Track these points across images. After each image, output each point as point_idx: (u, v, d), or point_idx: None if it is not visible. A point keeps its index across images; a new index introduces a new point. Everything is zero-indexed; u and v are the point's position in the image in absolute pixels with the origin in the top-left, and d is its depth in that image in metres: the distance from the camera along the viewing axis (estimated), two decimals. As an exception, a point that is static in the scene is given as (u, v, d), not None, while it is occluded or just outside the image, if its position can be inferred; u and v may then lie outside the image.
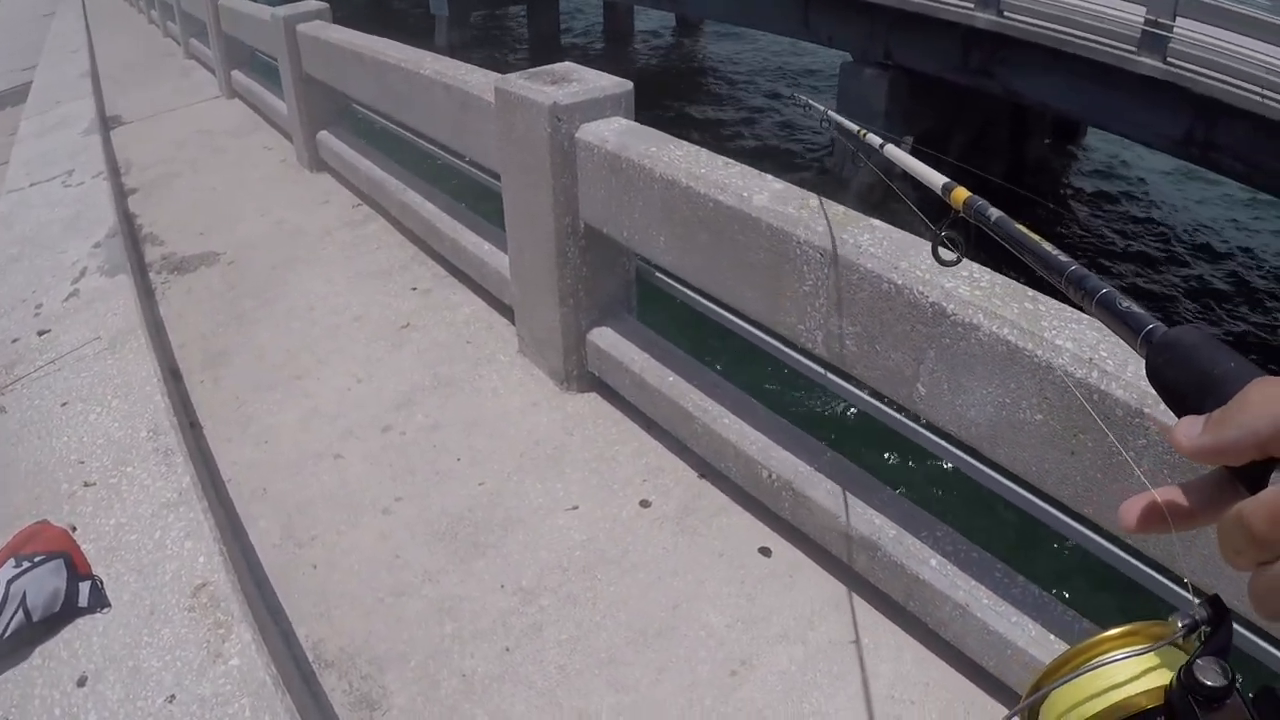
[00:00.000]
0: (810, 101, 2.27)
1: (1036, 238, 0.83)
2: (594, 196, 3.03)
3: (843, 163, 16.09)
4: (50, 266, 4.43)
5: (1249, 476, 0.47)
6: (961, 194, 1.08)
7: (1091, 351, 1.91)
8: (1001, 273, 2.18)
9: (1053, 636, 2.19)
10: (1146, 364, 0.59)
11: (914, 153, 1.50)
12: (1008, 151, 17.97)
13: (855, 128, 1.86)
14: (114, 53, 13.52)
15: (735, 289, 2.61)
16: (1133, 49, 11.40)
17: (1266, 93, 10.69)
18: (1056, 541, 2.44)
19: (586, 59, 25.42)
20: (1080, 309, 0.69)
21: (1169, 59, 11.24)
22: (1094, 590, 4.62)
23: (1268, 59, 10.95)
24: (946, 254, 1.23)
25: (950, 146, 16.92)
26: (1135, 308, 0.64)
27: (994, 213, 0.98)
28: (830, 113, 2.07)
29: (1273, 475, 0.45)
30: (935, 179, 1.22)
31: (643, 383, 3.14)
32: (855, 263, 2.20)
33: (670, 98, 23.48)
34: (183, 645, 2.13)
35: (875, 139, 1.69)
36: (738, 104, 23.46)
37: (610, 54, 27.66)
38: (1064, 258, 0.76)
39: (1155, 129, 11.98)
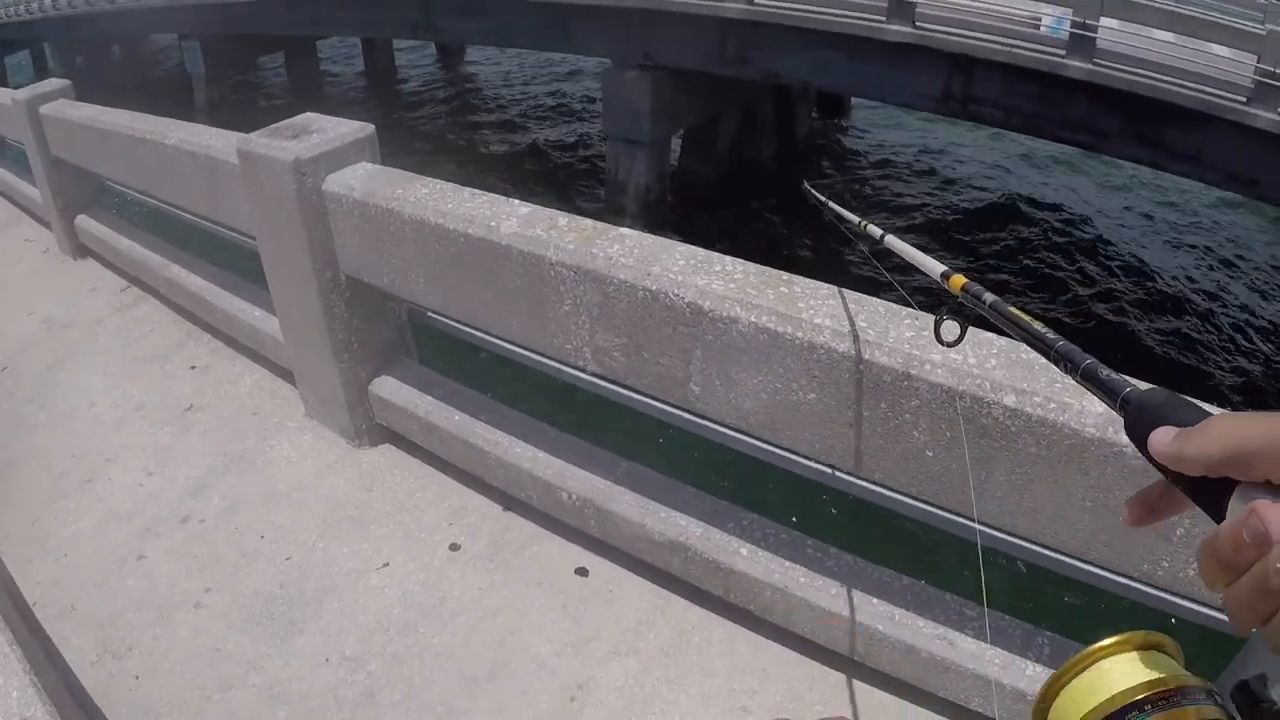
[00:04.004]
0: (813, 192, 2.30)
1: (1028, 318, 0.91)
2: (350, 246, 2.97)
3: (616, 166, 16.30)
4: None
5: (1196, 488, 0.58)
6: (959, 280, 1.15)
7: (851, 324, 1.97)
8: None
9: (874, 600, 2.26)
10: (1124, 424, 0.67)
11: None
12: (776, 133, 18.62)
13: (856, 219, 1.88)
14: None
15: (500, 319, 2.60)
16: (881, 18, 11.98)
17: (1014, 42, 11.42)
18: (860, 508, 2.52)
19: (350, 101, 25.06)
20: (1070, 376, 0.78)
21: (918, 23, 11.86)
22: (899, 545, 4.79)
23: (1013, 11, 11.70)
24: (948, 335, 1.29)
25: (720, 137, 17.45)
26: (1113, 375, 0.73)
27: (989, 297, 1.06)
28: (830, 203, 2.09)
29: (1230, 504, 0.54)
30: (934, 267, 1.28)
31: (431, 426, 3.10)
32: (609, 275, 2.22)
33: (444, 127, 23.43)
34: (11, 794, 1.99)
35: (876, 230, 1.72)
36: (511, 122, 23.67)
37: (375, 93, 27.46)
38: (1051, 335, 0.84)
39: (914, 91, 12.65)
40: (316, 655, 2.63)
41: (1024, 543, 2.05)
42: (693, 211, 16.41)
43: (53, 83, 5.83)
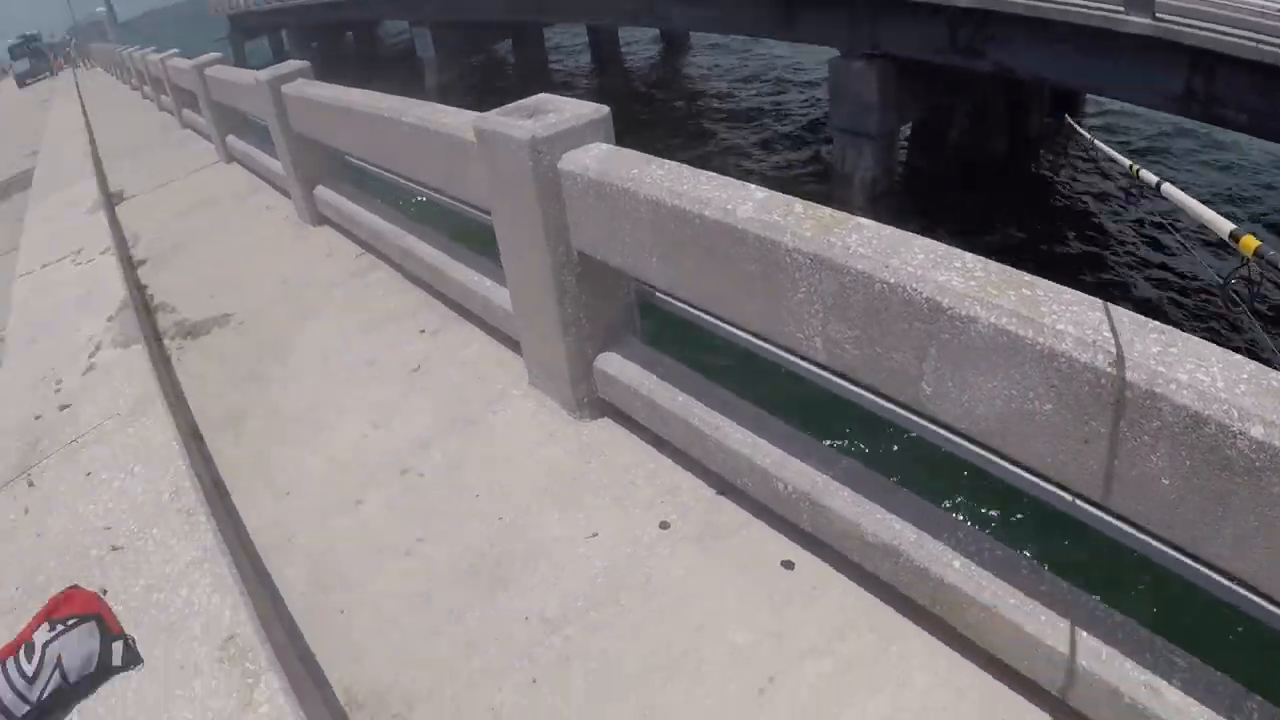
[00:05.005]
0: (1078, 128, 2.20)
1: None
2: (584, 224, 3.03)
3: (842, 158, 15.99)
4: (66, 343, 4.56)
5: None
6: (1251, 242, 1.07)
7: (1095, 334, 1.84)
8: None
9: (1085, 634, 2.11)
10: None
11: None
12: (1008, 128, 17.78)
13: (1127, 163, 1.75)
14: (112, 130, 13.80)
15: (731, 303, 2.58)
16: (1120, 9, 11.24)
17: (1262, 37, 10.49)
18: (1081, 533, 2.39)
19: (576, 89, 25.59)
20: None
21: (1158, 14, 11.08)
22: (1120, 579, 4.48)
23: (1261, 3, 10.76)
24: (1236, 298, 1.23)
25: (950, 130, 16.84)
26: None
27: None
28: (1098, 143, 1.98)
29: None
30: (1221, 225, 1.19)
31: (653, 405, 3.12)
32: (846, 265, 2.17)
33: (668, 117, 23.60)
34: (214, 696, 2.18)
35: (1150, 176, 1.59)
36: (735, 113, 23.52)
37: (601, 79, 27.87)
38: None
39: (1153, 89, 11.78)
40: (517, 613, 2.71)
41: (1257, 598, 1.90)
42: (921, 205, 15.92)
43: (293, 64, 6.28)
